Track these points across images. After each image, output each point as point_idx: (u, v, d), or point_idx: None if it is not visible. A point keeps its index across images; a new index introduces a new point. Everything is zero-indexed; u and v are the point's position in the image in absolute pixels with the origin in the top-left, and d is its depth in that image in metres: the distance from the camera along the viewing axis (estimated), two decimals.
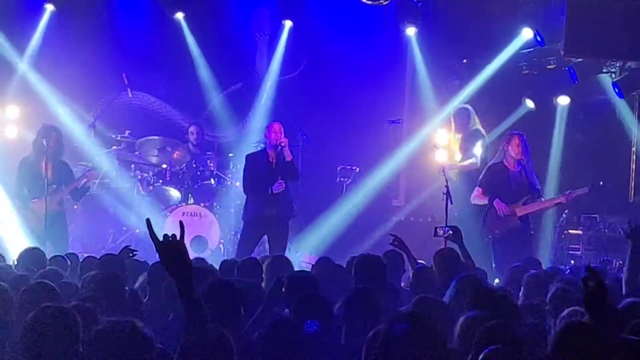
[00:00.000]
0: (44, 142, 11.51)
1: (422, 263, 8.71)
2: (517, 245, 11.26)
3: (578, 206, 13.18)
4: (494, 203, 11.50)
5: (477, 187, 11.86)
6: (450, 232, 8.74)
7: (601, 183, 11.89)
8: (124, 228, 13.93)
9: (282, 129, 11.49)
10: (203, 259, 8.75)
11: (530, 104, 14.03)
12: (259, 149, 12.34)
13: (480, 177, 11.92)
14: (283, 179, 11.42)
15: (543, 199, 11.89)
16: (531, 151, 11.73)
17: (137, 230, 13.91)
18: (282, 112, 14.19)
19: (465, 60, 14.57)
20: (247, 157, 11.96)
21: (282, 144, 11.34)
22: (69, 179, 11.90)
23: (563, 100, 13.85)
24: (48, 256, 8.74)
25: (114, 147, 13.90)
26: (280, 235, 11.55)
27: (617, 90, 13.34)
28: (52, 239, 11.50)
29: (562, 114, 14.02)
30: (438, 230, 8.87)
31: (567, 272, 9.66)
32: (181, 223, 4.45)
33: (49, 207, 11.52)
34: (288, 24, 14.69)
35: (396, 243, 8.72)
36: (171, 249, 4.39)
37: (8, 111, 13.83)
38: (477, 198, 11.82)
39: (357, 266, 7.31)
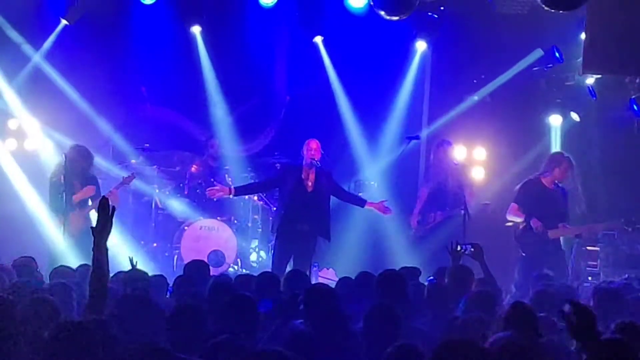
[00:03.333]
0: (68, 165, 11.63)
1: (431, 278, 8.70)
2: (549, 265, 11.21)
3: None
4: (531, 222, 11.52)
5: (512, 203, 11.89)
6: (472, 249, 8.72)
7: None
8: (142, 242, 13.96)
9: (320, 147, 11.58)
10: (226, 275, 8.74)
11: (556, 120, 14.03)
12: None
13: (516, 193, 11.94)
14: (318, 204, 11.47)
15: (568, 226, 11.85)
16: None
17: (155, 244, 13.97)
18: (298, 126, 14.24)
19: (483, 76, 14.59)
20: (282, 164, 12.02)
21: (317, 161, 11.46)
22: (96, 194, 11.88)
23: (576, 117, 13.88)
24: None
25: (132, 161, 13.94)
26: (305, 250, 11.50)
27: (635, 106, 13.35)
28: (81, 256, 11.58)
29: (579, 130, 14.04)
30: (459, 247, 8.82)
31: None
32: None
33: (79, 225, 11.62)
34: (319, 39, 14.64)
35: (472, 250, 8.65)
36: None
37: (27, 124, 13.99)
38: (513, 214, 11.85)
39: (380, 281, 7.33)
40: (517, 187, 12.01)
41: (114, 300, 6.17)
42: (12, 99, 14.00)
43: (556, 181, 11.71)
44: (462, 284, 7.66)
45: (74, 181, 11.76)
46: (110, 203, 5.91)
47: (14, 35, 13.92)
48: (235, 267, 13.62)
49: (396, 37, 14.30)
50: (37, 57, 14.10)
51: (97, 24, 14.16)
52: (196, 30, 14.58)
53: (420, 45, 14.50)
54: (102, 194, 11.80)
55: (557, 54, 13.71)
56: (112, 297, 6.19)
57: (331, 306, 6.35)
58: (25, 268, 8.53)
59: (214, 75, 14.83)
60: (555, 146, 14.15)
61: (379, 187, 14.17)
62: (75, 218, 11.68)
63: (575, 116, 13.91)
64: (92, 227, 5.92)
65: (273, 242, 12.03)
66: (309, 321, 6.19)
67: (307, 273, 10.89)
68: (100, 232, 5.81)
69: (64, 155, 11.86)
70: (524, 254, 11.61)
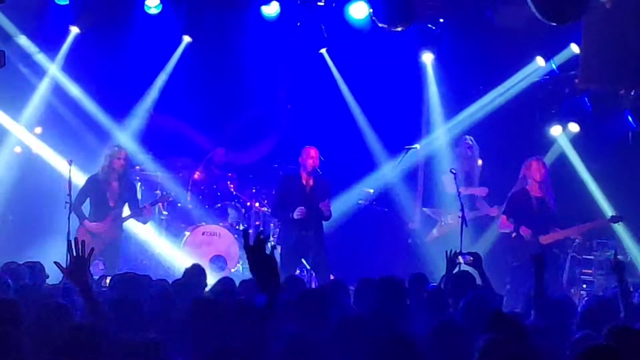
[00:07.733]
0: (115, 164, 11.96)
1: (434, 284, 8.84)
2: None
3: (591, 231, 13.34)
4: (520, 230, 11.76)
5: (501, 215, 12.13)
6: (471, 258, 8.85)
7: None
8: (145, 247, 14.14)
9: (318, 154, 11.81)
10: (231, 279, 8.87)
11: (557, 130, 14.17)
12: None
13: (505, 205, 12.18)
14: (317, 208, 11.65)
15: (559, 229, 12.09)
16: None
17: (158, 250, 14.14)
18: (299, 135, 14.43)
19: (481, 87, 14.77)
20: (282, 178, 12.24)
21: (317, 168, 11.70)
22: (132, 199, 12.24)
23: (573, 128, 14.02)
24: None
25: (136, 167, 14.12)
26: (321, 258, 11.76)
27: (630, 117, 13.52)
28: (106, 261, 11.86)
29: (575, 141, 14.20)
30: (459, 257, 8.95)
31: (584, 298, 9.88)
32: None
33: (111, 233, 11.97)
34: (324, 50, 14.73)
35: (472, 259, 8.84)
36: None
37: (37, 131, 14.19)
38: (504, 226, 12.08)
39: (379, 287, 7.51)
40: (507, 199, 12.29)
41: (107, 303, 6.21)
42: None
43: (539, 185, 11.90)
44: (462, 290, 7.66)
45: (113, 181, 11.98)
46: (85, 244, 5.44)
47: (26, 43, 14.10)
48: (234, 269, 13.72)
49: (397, 49, 14.43)
50: (51, 66, 14.27)
51: (101, 33, 14.32)
52: (186, 39, 14.57)
53: (427, 57, 14.60)
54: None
55: (554, 66, 13.89)
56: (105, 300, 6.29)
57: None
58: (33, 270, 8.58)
59: (218, 85, 15.02)
60: (570, 154, 14.28)
61: (378, 195, 14.33)
62: (108, 223, 11.94)
63: (574, 126, 14.04)
64: (61, 268, 5.48)
65: (280, 250, 12.24)
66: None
67: (330, 277, 11.09)
68: (71, 274, 5.31)
69: (69, 161, 12.06)
70: (516, 263, 11.79)
